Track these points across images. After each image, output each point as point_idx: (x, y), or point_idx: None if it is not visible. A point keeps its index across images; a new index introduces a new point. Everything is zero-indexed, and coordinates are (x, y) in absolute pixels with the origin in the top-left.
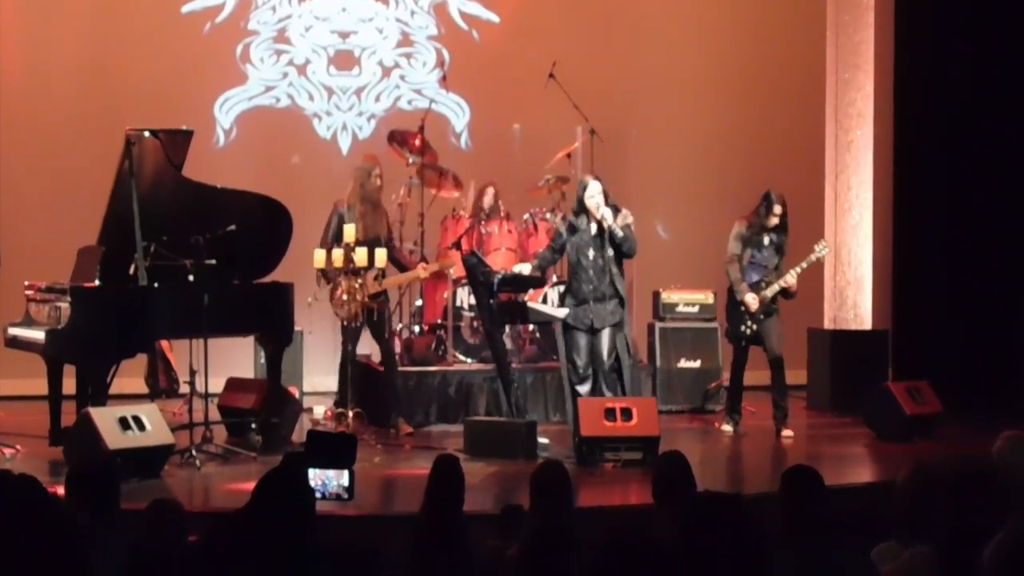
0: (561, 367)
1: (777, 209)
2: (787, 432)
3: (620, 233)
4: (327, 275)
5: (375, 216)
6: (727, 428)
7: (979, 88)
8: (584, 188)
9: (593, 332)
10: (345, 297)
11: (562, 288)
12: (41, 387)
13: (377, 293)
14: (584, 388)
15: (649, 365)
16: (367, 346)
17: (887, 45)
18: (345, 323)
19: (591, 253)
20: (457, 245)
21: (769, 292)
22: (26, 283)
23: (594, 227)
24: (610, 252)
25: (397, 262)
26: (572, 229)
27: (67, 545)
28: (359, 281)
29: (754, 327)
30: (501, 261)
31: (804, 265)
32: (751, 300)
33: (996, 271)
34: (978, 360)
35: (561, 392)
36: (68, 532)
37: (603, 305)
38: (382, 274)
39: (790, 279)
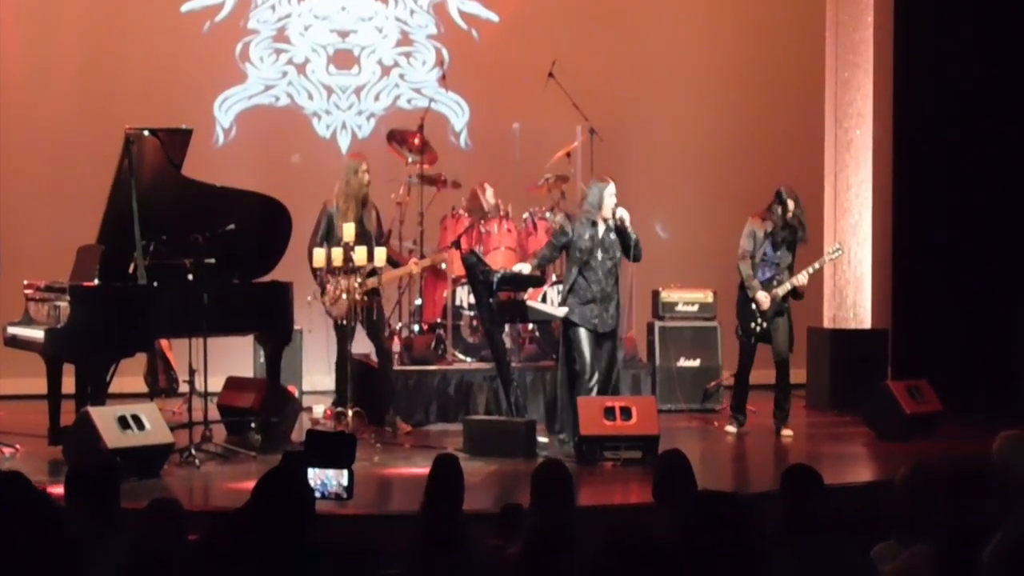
0: (559, 366)
1: (790, 204)
2: (787, 431)
3: (635, 236)
4: (316, 275)
5: (363, 213)
6: (731, 429)
7: (979, 88)
8: (604, 188)
9: (597, 335)
10: (344, 296)
11: (560, 287)
12: (40, 386)
13: (370, 290)
14: (591, 384)
15: (649, 364)
16: (367, 344)
17: (886, 44)
18: (340, 322)
19: (600, 254)
20: (456, 244)
21: (780, 291)
22: (25, 282)
23: (602, 228)
24: (618, 255)
25: (389, 258)
26: (592, 225)
27: (56, 541)
28: (358, 280)
29: (764, 325)
30: (500, 260)
31: (816, 266)
32: (763, 298)
33: (996, 271)
34: (978, 360)
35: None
36: (58, 529)
37: (607, 308)
38: (375, 271)
39: (802, 279)
